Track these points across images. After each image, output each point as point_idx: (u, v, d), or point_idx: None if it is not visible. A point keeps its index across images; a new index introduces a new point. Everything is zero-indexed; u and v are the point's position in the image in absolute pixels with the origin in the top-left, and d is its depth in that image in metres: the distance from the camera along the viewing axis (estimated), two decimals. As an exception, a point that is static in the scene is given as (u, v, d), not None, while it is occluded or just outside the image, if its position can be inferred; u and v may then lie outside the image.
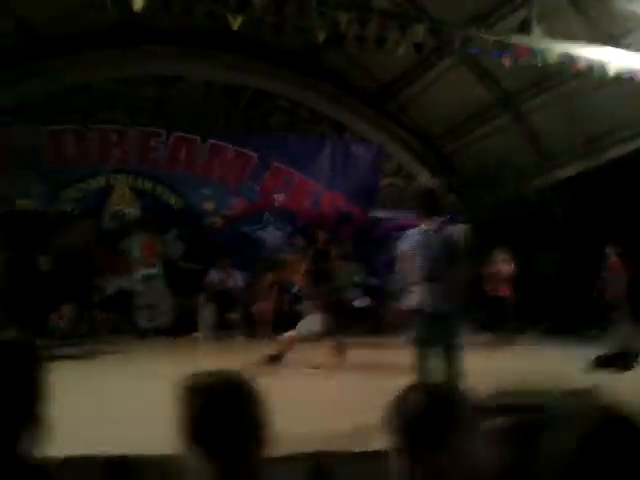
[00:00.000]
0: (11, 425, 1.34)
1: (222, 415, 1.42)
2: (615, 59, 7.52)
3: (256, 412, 1.48)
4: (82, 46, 9.90)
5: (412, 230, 4.87)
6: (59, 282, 9.38)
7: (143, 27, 9.29)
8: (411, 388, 1.54)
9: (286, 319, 9.73)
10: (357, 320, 10.11)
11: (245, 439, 1.43)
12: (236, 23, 6.34)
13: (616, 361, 6.69)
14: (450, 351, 4.64)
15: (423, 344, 4.65)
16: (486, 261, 9.63)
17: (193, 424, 1.43)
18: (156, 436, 3.61)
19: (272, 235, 10.58)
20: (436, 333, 4.68)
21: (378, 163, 11.46)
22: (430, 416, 1.39)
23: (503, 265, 9.27)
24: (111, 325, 9.66)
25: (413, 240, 4.75)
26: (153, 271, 9.49)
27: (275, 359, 6.63)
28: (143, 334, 9.23)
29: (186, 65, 10.83)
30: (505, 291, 9.23)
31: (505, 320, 9.21)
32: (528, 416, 0.82)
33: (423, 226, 4.83)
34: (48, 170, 9.58)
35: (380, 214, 11.16)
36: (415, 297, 4.67)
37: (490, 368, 6.63)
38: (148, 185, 10.09)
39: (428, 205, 4.99)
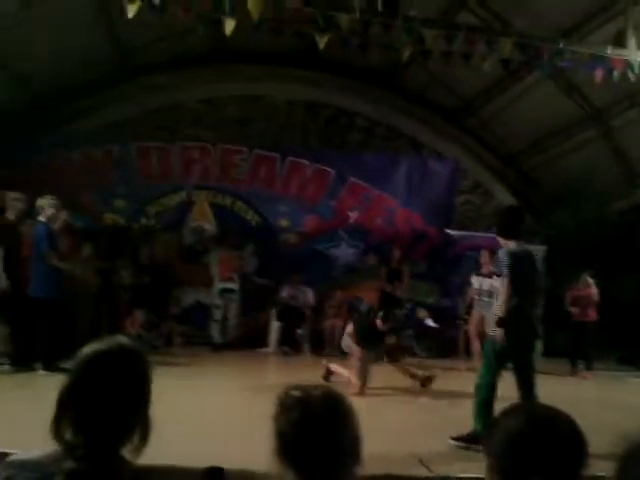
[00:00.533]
0: (122, 427, 1.42)
1: (319, 432, 1.37)
2: None
3: (353, 429, 1.42)
4: (171, 68, 10.26)
5: (507, 249, 4.63)
6: (139, 294, 9.66)
7: (229, 49, 9.53)
8: (512, 409, 1.43)
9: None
10: (427, 339, 9.98)
11: (342, 457, 1.37)
12: (322, 42, 6.38)
13: None
14: (528, 373, 4.46)
15: (501, 363, 4.49)
16: (572, 284, 9.25)
17: (287, 441, 1.38)
18: (239, 450, 3.64)
19: (345, 252, 10.53)
20: (518, 354, 4.51)
21: (455, 180, 11.20)
22: (533, 439, 1.28)
23: (591, 289, 8.83)
24: (185, 337, 9.84)
25: (514, 261, 4.54)
26: (231, 286, 9.62)
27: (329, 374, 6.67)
28: (216, 347, 9.35)
29: (269, 84, 11.05)
30: (592, 316, 8.80)
31: (587, 346, 8.82)
32: None
33: (514, 246, 4.63)
34: (134, 185, 9.89)
35: (455, 233, 10.90)
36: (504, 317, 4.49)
37: (578, 396, 6.38)
38: (228, 201, 10.26)
39: (511, 224, 4.77)
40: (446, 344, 10.00)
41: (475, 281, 8.54)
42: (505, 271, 4.44)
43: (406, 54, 6.73)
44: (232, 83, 10.84)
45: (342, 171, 10.49)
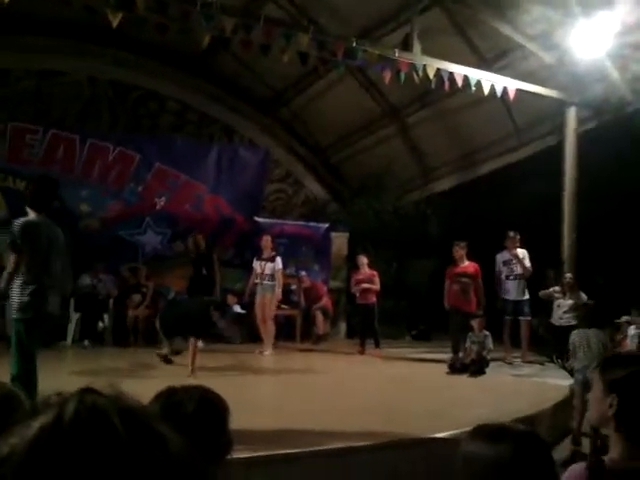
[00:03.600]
0: None
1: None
2: (490, 79, 8.04)
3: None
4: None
5: (22, 220, 4.25)
6: None
7: (23, 17, 8.75)
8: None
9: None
10: (237, 325, 10.16)
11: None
12: (116, 20, 6.13)
13: (469, 367, 7.13)
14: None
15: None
16: (353, 268, 9.71)
17: None
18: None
19: (151, 239, 10.28)
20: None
21: (264, 169, 11.45)
22: None
23: (368, 271, 9.14)
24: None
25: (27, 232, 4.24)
26: None
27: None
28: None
29: (70, 60, 10.30)
30: (371, 299, 9.08)
31: (372, 326, 9.11)
32: None
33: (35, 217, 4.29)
34: None
35: (262, 220, 11.17)
36: None
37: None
38: (19, 184, 9.44)
39: (39, 195, 4.33)
40: (255, 329, 10.20)
41: (257, 265, 8.83)
42: (15, 243, 4.16)
43: (205, 41, 6.71)
44: (26, 54, 9.94)
45: (149, 156, 10.20)
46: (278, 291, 8.73)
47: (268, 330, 8.72)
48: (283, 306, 10.54)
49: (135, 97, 11.13)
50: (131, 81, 10.99)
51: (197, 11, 6.44)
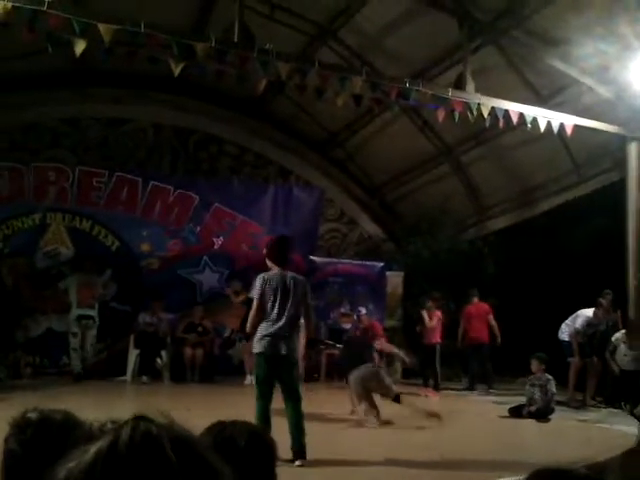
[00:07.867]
0: None
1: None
2: (546, 115, 7.94)
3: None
4: (29, 87, 9.81)
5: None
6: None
7: (92, 69, 9.30)
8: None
9: (217, 363, 9.64)
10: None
11: None
12: (178, 69, 6.42)
13: (533, 414, 6.83)
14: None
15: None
16: (421, 309, 9.81)
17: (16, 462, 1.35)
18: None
19: (209, 278, 10.49)
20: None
21: (319, 208, 11.59)
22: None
23: (435, 313, 9.43)
24: (36, 367, 9.33)
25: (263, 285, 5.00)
26: (90, 312, 9.29)
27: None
28: (77, 377, 8.95)
29: (134, 107, 10.85)
30: (434, 338, 9.34)
31: (434, 367, 9.29)
32: None
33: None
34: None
35: (318, 260, 11.24)
36: None
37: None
38: (85, 224, 9.90)
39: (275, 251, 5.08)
40: (310, 369, 10.14)
41: None
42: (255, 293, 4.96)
43: (261, 85, 6.93)
44: (94, 104, 10.53)
45: (207, 197, 10.50)
46: None
47: None
48: (338, 345, 10.47)
49: (195, 141, 11.55)
50: (191, 125, 11.43)
51: (254, 57, 6.68)
